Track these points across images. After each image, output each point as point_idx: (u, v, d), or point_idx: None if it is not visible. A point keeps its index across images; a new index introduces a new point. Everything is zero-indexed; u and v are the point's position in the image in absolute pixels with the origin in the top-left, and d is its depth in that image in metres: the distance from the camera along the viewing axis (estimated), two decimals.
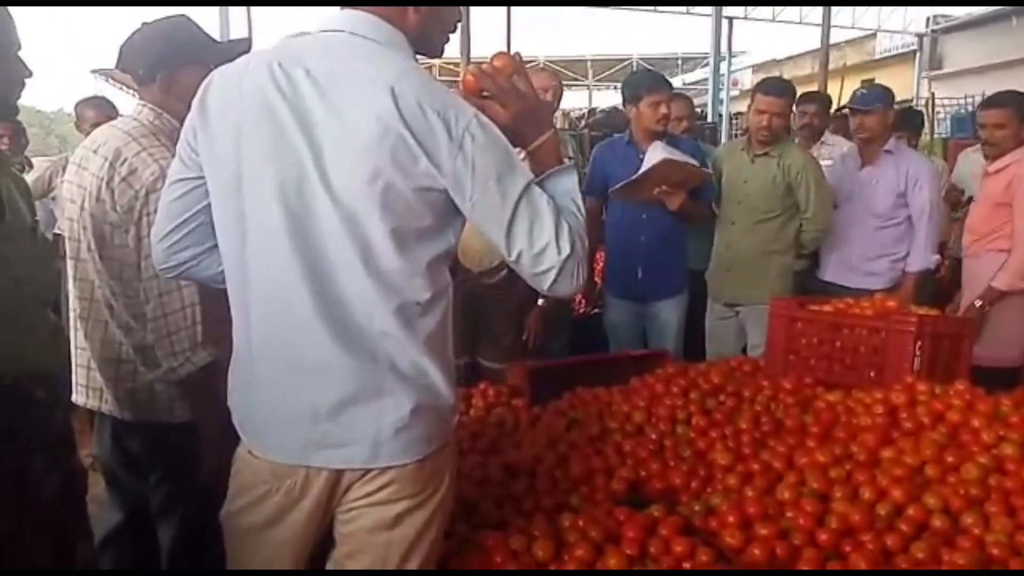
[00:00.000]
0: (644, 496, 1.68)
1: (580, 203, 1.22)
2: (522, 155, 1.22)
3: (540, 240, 1.13)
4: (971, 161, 3.64)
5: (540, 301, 3.00)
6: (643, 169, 2.89)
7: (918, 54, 19.34)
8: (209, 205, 1.23)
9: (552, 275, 1.14)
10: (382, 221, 1.10)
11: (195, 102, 1.21)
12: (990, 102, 3.13)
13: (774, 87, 3.15)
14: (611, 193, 3.02)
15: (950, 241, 3.89)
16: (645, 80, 3.12)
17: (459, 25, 1.27)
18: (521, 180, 1.14)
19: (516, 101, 1.21)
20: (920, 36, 19.39)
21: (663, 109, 2.99)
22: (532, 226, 1.13)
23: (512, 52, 1.26)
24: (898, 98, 3.87)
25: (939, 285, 3.76)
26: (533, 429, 2.02)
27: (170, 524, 1.84)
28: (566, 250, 1.13)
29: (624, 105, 3.17)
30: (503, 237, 1.13)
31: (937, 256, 3.17)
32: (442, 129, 1.08)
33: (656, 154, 2.88)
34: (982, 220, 3.10)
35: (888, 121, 3.28)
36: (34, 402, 1.32)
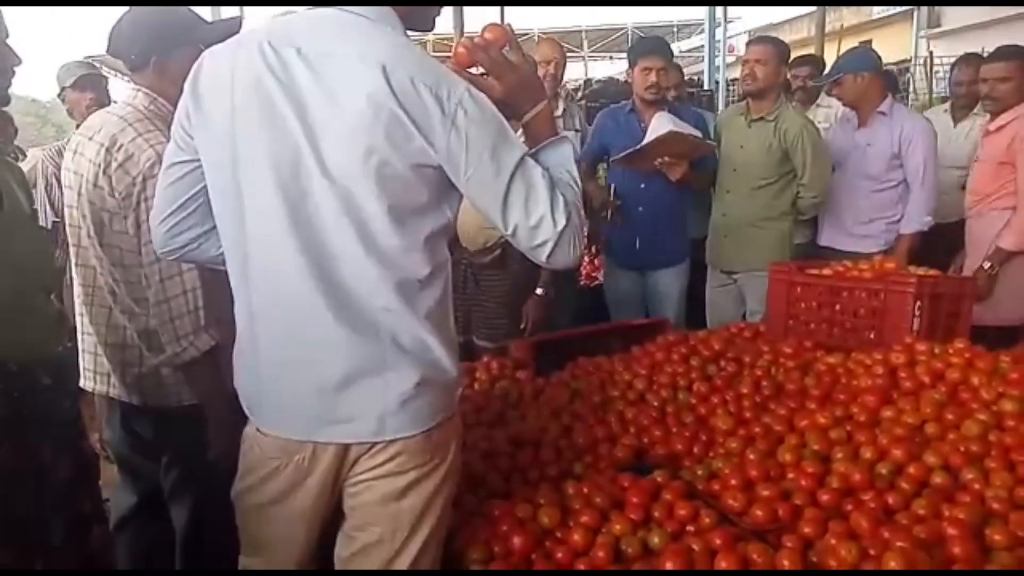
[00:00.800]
0: (647, 463, 1.70)
1: (576, 174, 1.22)
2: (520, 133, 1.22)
3: (536, 213, 1.13)
4: (938, 121, 3.58)
5: (539, 290, 2.95)
6: (648, 139, 2.88)
7: (916, 13, 19.10)
8: (206, 187, 1.23)
9: (549, 247, 1.15)
10: (378, 198, 1.11)
11: (187, 84, 1.21)
12: (995, 55, 3.09)
13: (758, 39, 3.18)
14: (612, 162, 3.04)
15: None
16: (639, 45, 3.17)
17: None
18: (515, 153, 1.14)
19: (509, 73, 1.21)
20: None
21: (652, 77, 2.99)
22: (527, 199, 1.13)
23: (504, 24, 1.25)
24: (896, 58, 3.83)
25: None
26: (537, 400, 2.04)
27: (183, 505, 1.87)
28: (562, 222, 1.14)
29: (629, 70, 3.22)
30: (499, 211, 1.14)
31: (930, 218, 3.12)
32: (435, 104, 1.08)
33: (662, 125, 2.88)
34: (985, 180, 3.08)
35: (861, 84, 3.20)
36: (40, 388, 1.34)
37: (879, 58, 3.38)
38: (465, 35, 1.25)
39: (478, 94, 1.13)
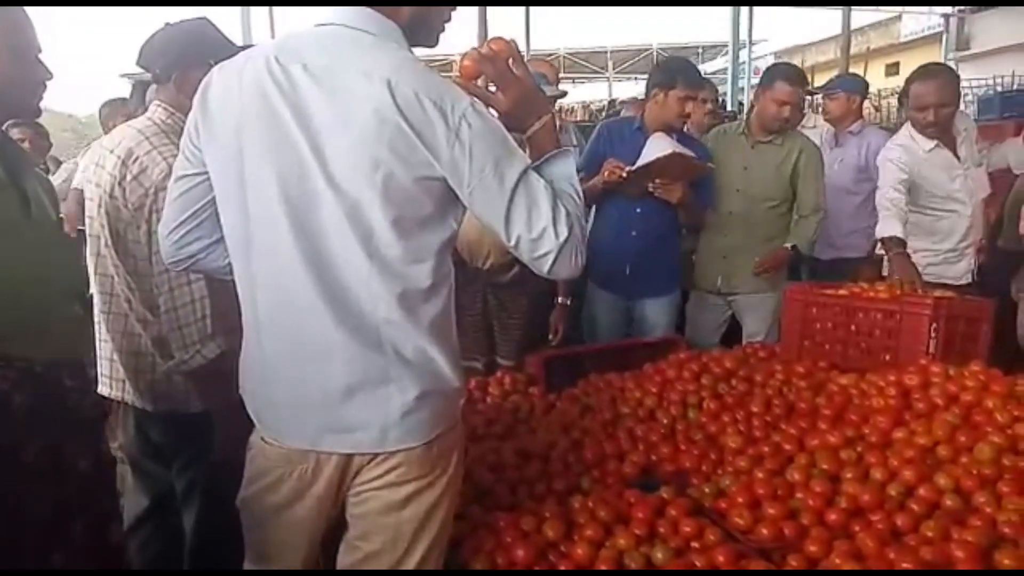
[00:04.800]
0: (655, 479, 1.70)
1: (578, 187, 1.24)
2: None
3: (538, 224, 1.15)
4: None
5: (560, 299, 2.91)
6: (649, 158, 2.72)
7: (945, 35, 18.95)
8: (214, 199, 1.26)
9: (551, 259, 1.16)
10: (383, 210, 1.13)
11: (196, 99, 1.25)
12: None
13: (795, 76, 3.02)
14: (604, 183, 2.78)
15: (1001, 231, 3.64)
16: (682, 70, 2.88)
17: (453, 15, 1.28)
18: (518, 165, 1.15)
19: (513, 86, 1.23)
20: (947, 17, 19.00)
21: (689, 107, 2.83)
22: (530, 211, 1.14)
23: (508, 38, 1.28)
24: None
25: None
26: (547, 415, 2.04)
27: (193, 509, 1.90)
28: (564, 234, 1.15)
29: (649, 88, 2.93)
30: (502, 222, 1.15)
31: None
32: (439, 118, 1.10)
33: (662, 145, 2.72)
34: None
35: (852, 106, 3.65)
36: (64, 388, 1.38)
37: (867, 87, 3.88)
38: (471, 48, 1.26)
39: (481, 107, 1.15)
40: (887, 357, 2.15)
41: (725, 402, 1.97)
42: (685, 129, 3.09)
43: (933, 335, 2.08)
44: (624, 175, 2.72)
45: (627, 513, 1.50)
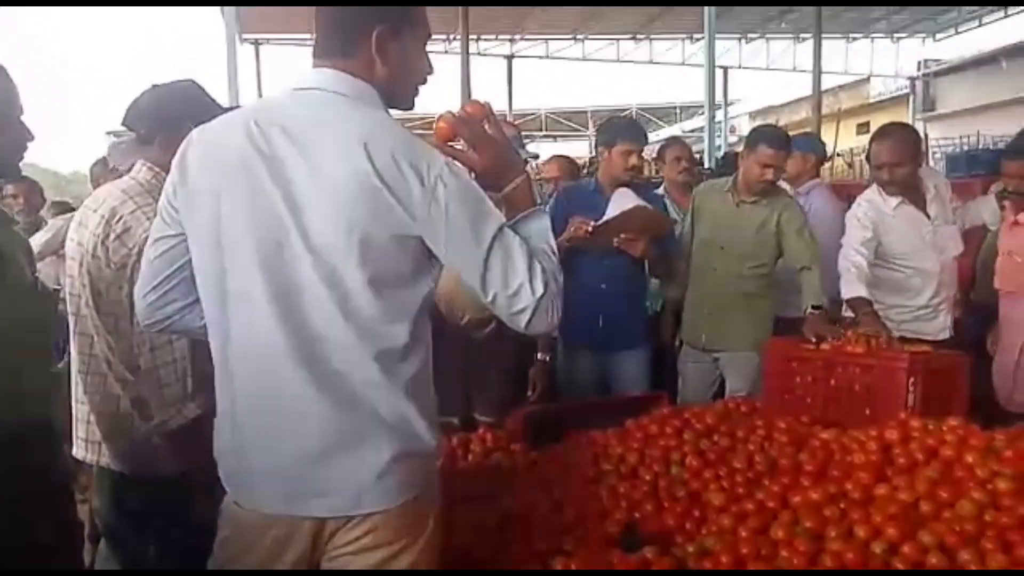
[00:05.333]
0: (639, 538, 1.67)
1: (553, 244, 1.26)
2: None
3: (514, 281, 1.16)
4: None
5: (539, 355, 2.92)
6: (612, 214, 2.81)
7: (912, 96, 19.69)
8: (191, 261, 1.27)
9: (527, 315, 1.17)
10: (360, 270, 1.14)
11: (175, 161, 1.27)
12: (1017, 151, 3.00)
13: (778, 140, 3.04)
14: (570, 239, 2.83)
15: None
16: (620, 128, 3.08)
17: (430, 79, 1.32)
18: (493, 224, 1.18)
19: (489, 146, 1.27)
20: (912, 79, 19.78)
21: (633, 160, 2.94)
22: (506, 268, 1.16)
23: (483, 101, 1.32)
24: None
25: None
26: (529, 474, 2.02)
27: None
28: (540, 290, 1.17)
29: (596, 148, 3.14)
30: (478, 280, 1.17)
31: (824, 297, 2.93)
32: (415, 179, 1.13)
33: (626, 200, 2.82)
34: (1020, 274, 2.90)
35: (807, 165, 3.76)
36: (31, 450, 1.35)
37: (824, 147, 4.05)
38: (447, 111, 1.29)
39: (457, 169, 1.18)
40: (867, 411, 2.17)
41: (708, 458, 1.96)
42: (662, 188, 3.17)
43: (911, 389, 2.10)
44: (589, 230, 2.81)
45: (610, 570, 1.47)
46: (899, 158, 2.89)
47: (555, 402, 2.91)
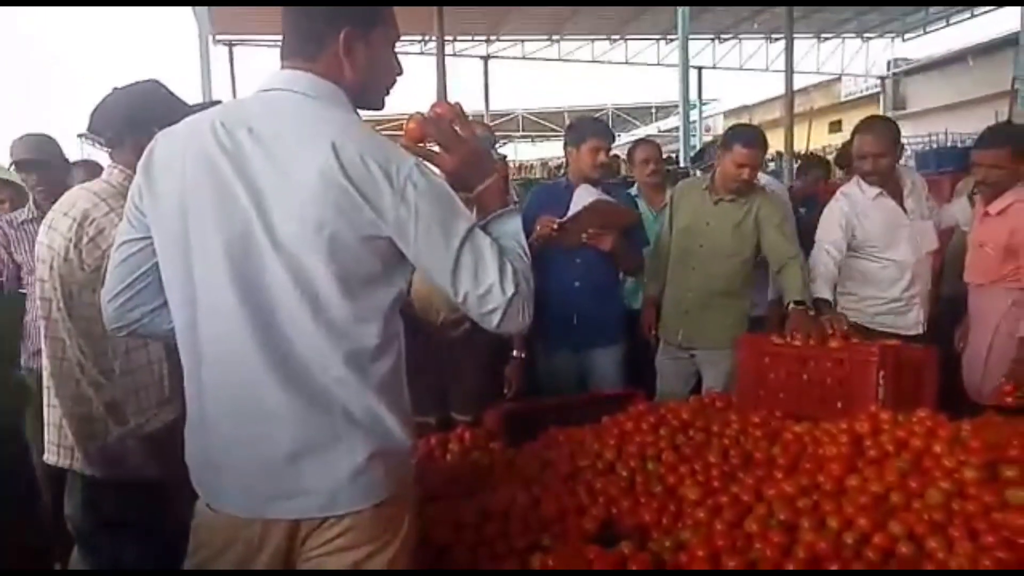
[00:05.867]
0: (616, 533, 1.69)
1: (524, 244, 1.27)
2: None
3: (485, 281, 1.17)
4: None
5: (515, 353, 2.94)
6: (572, 211, 2.86)
7: (882, 95, 20.01)
8: (157, 264, 1.26)
9: (498, 315, 1.18)
10: (328, 270, 1.14)
11: (140, 164, 1.25)
12: (985, 141, 3.02)
13: (753, 139, 3.02)
14: (537, 238, 2.84)
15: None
16: (588, 126, 3.13)
17: (399, 79, 1.32)
18: (463, 224, 1.18)
19: (459, 146, 1.27)
20: (882, 79, 20.09)
21: (601, 157, 2.98)
22: (476, 268, 1.17)
23: (453, 101, 1.32)
24: None
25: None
26: (508, 471, 2.03)
27: None
28: (510, 290, 1.17)
29: (565, 148, 3.17)
30: (448, 280, 1.17)
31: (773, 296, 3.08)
32: (384, 179, 1.12)
33: (588, 194, 2.87)
34: (994, 265, 2.94)
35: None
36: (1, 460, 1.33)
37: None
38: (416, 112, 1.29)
39: (427, 169, 1.18)
40: (839, 404, 2.20)
41: (683, 453, 1.98)
42: (636, 188, 3.19)
43: (881, 382, 2.14)
44: (555, 228, 2.85)
45: (588, 570, 1.49)
46: (881, 148, 2.96)
47: (532, 399, 2.91)
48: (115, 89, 1.85)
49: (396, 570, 1.23)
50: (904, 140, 3.37)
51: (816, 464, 1.83)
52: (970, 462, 1.69)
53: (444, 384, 2.85)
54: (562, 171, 8.44)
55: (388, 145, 1.17)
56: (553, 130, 22.25)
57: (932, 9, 16.50)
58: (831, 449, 1.87)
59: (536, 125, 23.18)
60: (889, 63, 19.92)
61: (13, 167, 2.99)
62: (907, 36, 18.69)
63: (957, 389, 2.97)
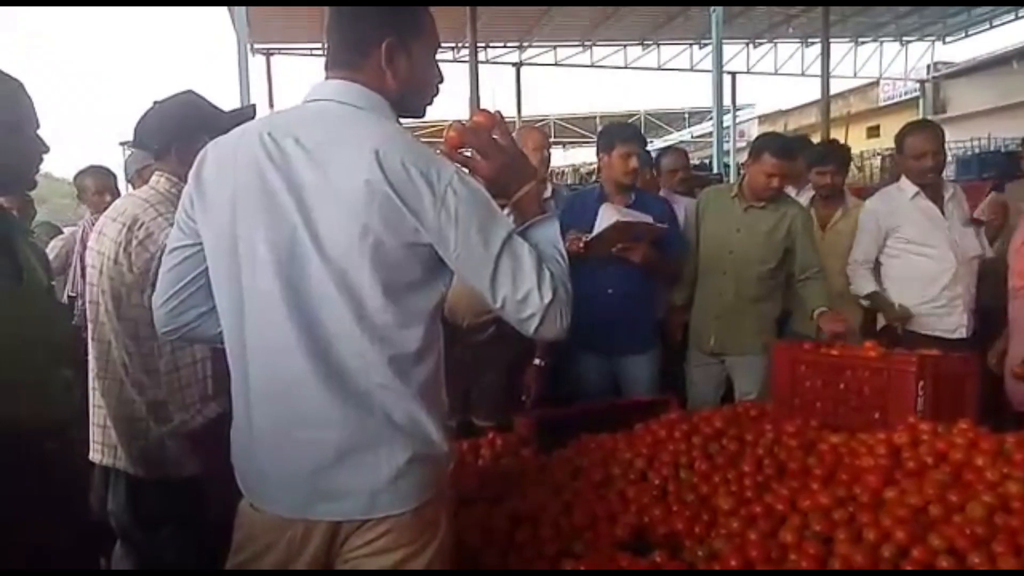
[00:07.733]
0: (648, 542, 1.68)
1: (563, 250, 1.28)
2: (507, 210, 1.28)
3: (523, 287, 1.18)
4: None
5: (536, 360, 2.92)
6: (595, 232, 2.85)
7: (921, 100, 19.59)
8: (207, 269, 1.29)
9: (536, 320, 1.19)
10: (372, 276, 1.16)
11: (191, 173, 1.29)
12: None
13: (783, 149, 3.02)
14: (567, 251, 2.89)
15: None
16: (619, 131, 3.10)
17: (441, 87, 1.34)
18: (502, 230, 1.19)
19: (497, 155, 1.29)
20: (922, 82, 19.68)
21: (633, 162, 2.95)
22: (515, 274, 1.18)
23: (494, 110, 1.34)
24: None
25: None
26: (539, 477, 2.03)
27: None
28: (548, 296, 1.18)
29: (597, 154, 3.13)
30: (488, 285, 1.18)
31: None
32: (425, 187, 1.15)
33: (607, 217, 2.85)
34: None
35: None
36: (46, 455, 1.38)
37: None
38: (456, 120, 1.32)
39: (467, 176, 1.20)
40: (876, 415, 2.16)
41: (716, 462, 1.97)
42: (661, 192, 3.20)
43: (921, 392, 2.10)
44: (582, 246, 2.83)
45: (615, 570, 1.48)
46: (938, 146, 3.04)
47: (551, 406, 2.90)
48: (155, 103, 1.92)
49: (434, 570, 1.25)
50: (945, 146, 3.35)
51: (853, 475, 1.80)
52: (1014, 475, 1.66)
53: (466, 389, 2.86)
54: (594, 177, 8.42)
55: (429, 153, 1.19)
56: (585, 136, 22.22)
57: (975, 11, 16.13)
58: (868, 460, 1.84)
59: (568, 131, 23.18)
60: (929, 66, 19.53)
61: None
62: (948, 39, 18.30)
63: (1000, 399, 2.90)
